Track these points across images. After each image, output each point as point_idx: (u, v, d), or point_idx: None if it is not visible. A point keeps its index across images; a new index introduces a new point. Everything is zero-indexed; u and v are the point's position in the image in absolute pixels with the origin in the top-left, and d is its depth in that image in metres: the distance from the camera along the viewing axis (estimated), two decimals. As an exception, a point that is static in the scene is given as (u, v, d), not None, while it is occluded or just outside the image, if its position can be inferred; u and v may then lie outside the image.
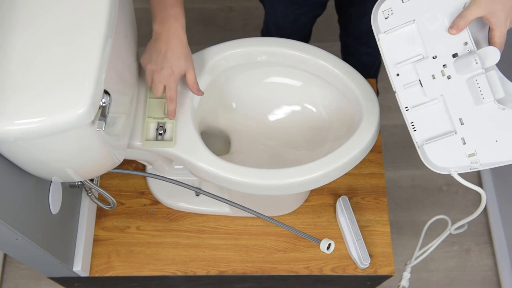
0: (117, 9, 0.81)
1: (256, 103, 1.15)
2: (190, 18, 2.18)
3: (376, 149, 1.31)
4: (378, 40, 0.86)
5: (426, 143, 0.86)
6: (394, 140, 1.85)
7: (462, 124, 0.85)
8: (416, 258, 1.13)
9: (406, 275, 1.16)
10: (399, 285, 1.17)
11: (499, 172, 1.67)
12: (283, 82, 1.13)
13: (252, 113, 1.16)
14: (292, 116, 1.15)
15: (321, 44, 1.28)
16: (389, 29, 0.85)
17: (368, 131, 0.99)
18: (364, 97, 1.02)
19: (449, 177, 1.80)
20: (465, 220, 0.98)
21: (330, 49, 1.09)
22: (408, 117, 0.87)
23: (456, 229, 1.05)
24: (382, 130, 1.78)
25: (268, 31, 1.44)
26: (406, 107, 0.87)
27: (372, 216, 1.26)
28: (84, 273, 1.16)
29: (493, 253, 1.70)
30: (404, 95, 0.86)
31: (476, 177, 1.80)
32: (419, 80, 0.85)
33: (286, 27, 1.38)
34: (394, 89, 0.86)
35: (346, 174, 1.01)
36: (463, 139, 0.85)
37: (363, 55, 1.55)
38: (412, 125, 0.87)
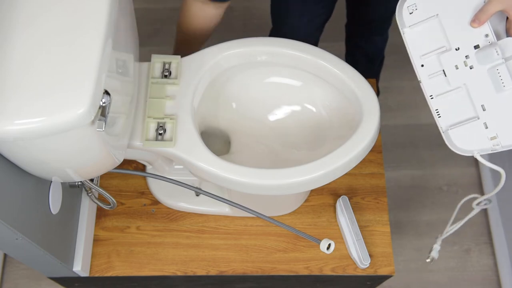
0: (117, 9, 0.81)
1: (256, 103, 1.15)
2: (190, 18, 2.15)
3: (376, 149, 1.31)
4: (403, 33, 0.91)
5: (450, 128, 0.91)
6: (394, 140, 1.85)
7: (484, 110, 0.90)
8: (447, 232, 1.18)
9: (437, 247, 1.20)
10: (429, 256, 1.20)
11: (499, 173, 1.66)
12: (283, 82, 1.13)
13: (252, 113, 1.16)
14: (292, 116, 1.15)
15: (321, 44, 1.29)
16: (413, 24, 0.90)
17: (368, 131, 0.99)
18: (364, 97, 1.02)
19: (449, 177, 1.82)
20: (485, 197, 1.03)
21: (330, 49, 1.09)
22: (433, 104, 0.92)
23: (478, 204, 1.08)
24: (382, 130, 1.78)
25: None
26: (431, 96, 0.91)
27: (372, 216, 1.26)
28: (84, 273, 1.16)
29: (493, 253, 1.70)
30: (429, 84, 0.91)
31: (477, 177, 1.80)
32: (443, 70, 0.90)
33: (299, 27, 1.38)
34: (419, 79, 0.92)
35: (346, 174, 1.01)
36: (485, 123, 0.90)
37: (369, 45, 1.56)
38: (437, 112, 0.92)
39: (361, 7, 1.43)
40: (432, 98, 0.91)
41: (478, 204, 1.08)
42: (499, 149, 0.90)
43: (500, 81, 0.87)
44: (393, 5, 0.93)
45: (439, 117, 0.91)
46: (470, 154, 0.92)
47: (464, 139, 0.91)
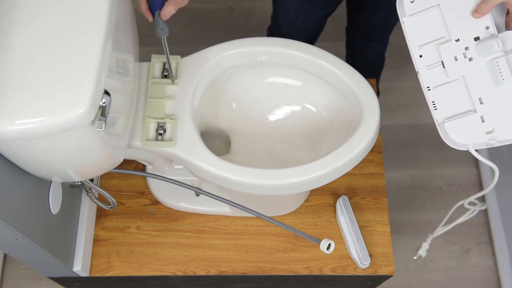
0: (117, 9, 0.81)
1: (256, 103, 1.15)
2: (190, 18, 2.18)
3: (376, 149, 1.31)
4: (403, 23, 0.90)
5: (446, 121, 0.90)
6: (394, 140, 1.85)
7: (481, 103, 0.89)
8: (438, 232, 1.19)
9: (425, 245, 1.21)
10: (417, 253, 1.20)
11: (500, 172, 1.66)
12: (283, 82, 1.13)
13: (252, 113, 1.16)
14: (292, 116, 1.15)
15: (321, 44, 1.28)
16: (414, 13, 0.89)
17: (368, 131, 0.99)
18: (364, 97, 1.02)
19: (449, 177, 1.81)
20: (480, 194, 1.03)
21: (330, 49, 1.09)
22: (430, 96, 0.90)
23: (470, 203, 1.08)
24: (382, 130, 1.78)
25: (277, 28, 1.44)
26: (428, 87, 0.90)
27: (372, 216, 1.26)
28: (84, 273, 1.17)
29: (493, 253, 1.70)
30: (426, 76, 0.90)
31: (477, 177, 1.80)
32: (442, 62, 0.89)
33: (295, 25, 1.38)
34: (416, 70, 0.91)
35: (346, 174, 1.01)
36: (482, 117, 0.89)
37: (368, 51, 1.56)
38: (433, 104, 0.90)
39: (361, 13, 1.43)
40: (429, 89, 0.90)
41: (469, 203, 1.07)
42: (495, 144, 0.89)
43: (499, 74, 0.87)
44: (393, 14, 0.92)
45: (435, 109, 0.90)
46: (465, 148, 0.91)
47: (460, 132, 0.90)
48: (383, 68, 1.71)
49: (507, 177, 1.61)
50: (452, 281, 1.67)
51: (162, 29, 0.96)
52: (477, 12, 0.86)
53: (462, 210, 1.15)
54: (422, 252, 1.21)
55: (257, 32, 1.61)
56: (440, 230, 1.18)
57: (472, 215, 1.13)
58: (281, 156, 1.13)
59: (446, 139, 0.91)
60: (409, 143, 1.86)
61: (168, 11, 0.93)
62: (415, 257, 1.21)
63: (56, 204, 1.00)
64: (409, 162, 1.82)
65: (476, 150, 0.90)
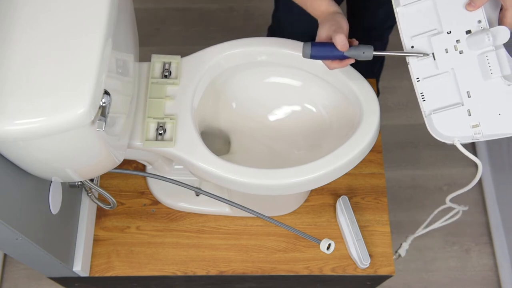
0: (117, 9, 0.81)
1: (256, 103, 1.15)
2: (190, 18, 2.18)
3: (376, 149, 1.31)
4: (396, 13, 0.91)
5: (433, 113, 0.90)
6: (394, 140, 1.85)
7: (469, 97, 0.89)
8: (418, 232, 1.21)
9: (405, 245, 1.23)
10: (396, 252, 1.21)
11: (499, 172, 1.67)
12: (283, 82, 1.13)
13: (252, 113, 1.16)
14: (292, 116, 1.15)
15: (321, 44, 1.28)
16: (408, 3, 0.90)
17: (368, 131, 0.99)
18: (364, 97, 1.02)
19: (449, 177, 1.81)
20: (462, 191, 1.03)
21: (330, 49, 1.09)
22: (419, 87, 0.91)
23: (452, 200, 1.08)
24: (382, 130, 1.78)
25: (278, 28, 1.44)
26: (418, 78, 0.91)
27: (372, 216, 1.26)
28: (84, 273, 1.17)
29: (493, 253, 1.70)
30: (417, 67, 0.91)
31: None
32: (432, 53, 0.90)
33: (299, 25, 1.38)
34: (407, 61, 0.91)
35: (346, 174, 1.01)
36: (468, 110, 0.89)
37: None
38: (422, 95, 0.91)
39: (361, 12, 1.43)
40: (418, 81, 0.90)
41: (451, 200, 1.08)
42: (481, 138, 0.89)
43: (488, 69, 0.87)
44: (393, 12, 0.92)
45: (423, 100, 0.90)
46: (450, 141, 0.91)
47: (446, 125, 0.90)
48: (383, 67, 1.72)
49: (507, 177, 1.61)
50: (452, 281, 1.67)
51: (364, 53, 0.97)
52: (470, 5, 0.86)
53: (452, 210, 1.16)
54: (402, 251, 1.22)
55: (257, 32, 1.61)
56: (421, 231, 1.19)
57: (457, 216, 1.14)
58: (281, 156, 1.13)
59: (432, 131, 0.91)
60: (409, 143, 1.86)
61: (341, 39, 0.92)
62: (394, 256, 1.21)
63: (56, 204, 1.00)
64: (409, 162, 1.82)
65: (463, 145, 0.90)
